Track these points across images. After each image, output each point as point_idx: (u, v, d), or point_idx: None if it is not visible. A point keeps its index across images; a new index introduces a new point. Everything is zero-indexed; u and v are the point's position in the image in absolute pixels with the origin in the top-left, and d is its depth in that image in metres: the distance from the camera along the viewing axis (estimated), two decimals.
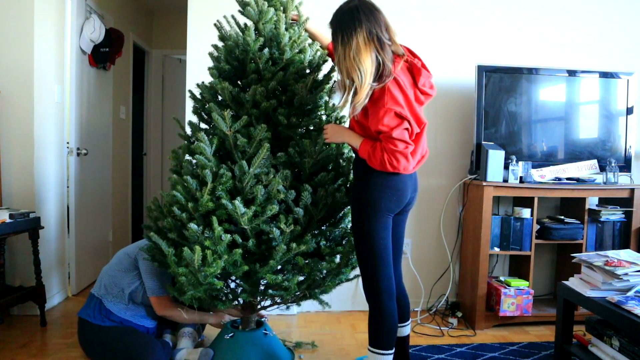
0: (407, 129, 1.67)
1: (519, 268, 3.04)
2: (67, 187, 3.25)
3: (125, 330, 2.14)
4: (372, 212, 1.75)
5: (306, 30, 2.09)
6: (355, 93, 1.70)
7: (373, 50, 1.66)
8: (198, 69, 2.87)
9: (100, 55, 3.56)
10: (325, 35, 2.08)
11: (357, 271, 2.01)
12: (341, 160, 2.04)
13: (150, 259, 2.10)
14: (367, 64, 1.65)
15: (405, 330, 2.06)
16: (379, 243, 1.77)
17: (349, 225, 2.12)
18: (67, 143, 3.25)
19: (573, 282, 2.18)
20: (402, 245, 2.01)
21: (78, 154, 3.34)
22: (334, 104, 2.09)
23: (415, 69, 1.77)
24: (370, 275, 1.80)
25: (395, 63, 1.71)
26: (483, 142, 2.87)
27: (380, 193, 1.75)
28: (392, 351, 1.82)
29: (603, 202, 3.08)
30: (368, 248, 1.78)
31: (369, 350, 1.83)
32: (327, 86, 2.07)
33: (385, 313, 1.80)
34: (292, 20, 2.06)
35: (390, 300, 1.81)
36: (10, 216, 2.48)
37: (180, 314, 2.19)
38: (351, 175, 2.06)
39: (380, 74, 1.68)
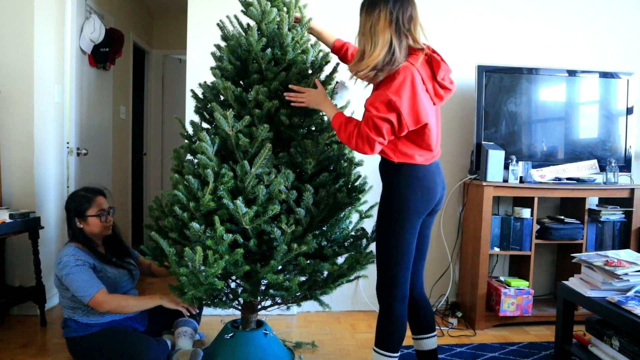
0: (391, 123, 1.63)
1: (519, 268, 3.04)
2: (67, 187, 3.25)
3: (116, 331, 2.11)
4: (400, 215, 1.72)
5: (310, 29, 2.08)
6: (361, 60, 1.69)
7: (389, 32, 1.64)
8: (198, 69, 2.87)
9: (100, 55, 3.56)
10: (331, 33, 2.08)
11: (357, 272, 2.02)
12: (342, 161, 2.04)
13: (66, 270, 2.07)
14: (381, 40, 1.64)
15: (430, 342, 1.93)
16: (403, 248, 1.73)
17: (350, 226, 2.12)
18: (67, 143, 3.25)
19: (573, 282, 2.19)
20: (427, 248, 1.93)
21: (78, 154, 3.34)
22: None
23: (434, 62, 1.73)
24: (387, 278, 1.76)
25: (415, 56, 1.68)
26: (483, 142, 2.87)
27: (410, 194, 1.71)
28: (398, 355, 1.79)
29: (603, 202, 3.08)
30: (390, 252, 1.74)
31: (374, 350, 1.80)
32: (330, 87, 2.07)
33: (395, 316, 1.76)
34: (295, 21, 2.06)
35: (402, 304, 1.77)
36: (10, 216, 2.48)
37: (123, 305, 2.10)
38: (352, 177, 2.07)
39: (390, 59, 1.65)
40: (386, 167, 1.79)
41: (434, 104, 1.74)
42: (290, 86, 1.89)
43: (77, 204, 2.22)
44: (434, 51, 1.78)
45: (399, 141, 1.71)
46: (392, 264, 1.74)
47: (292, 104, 1.89)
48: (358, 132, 1.66)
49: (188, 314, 2.22)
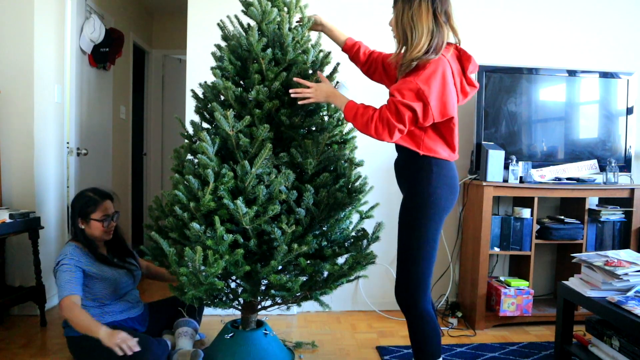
0: (415, 112, 1.61)
1: (519, 268, 3.04)
2: (67, 187, 3.24)
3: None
4: (434, 212, 1.69)
5: (322, 25, 2.05)
6: (406, 50, 1.67)
7: (431, 20, 1.64)
8: (198, 69, 2.87)
9: (100, 55, 3.56)
10: (342, 32, 2.06)
11: (358, 272, 2.02)
12: (343, 162, 2.03)
13: (57, 267, 2.09)
14: (424, 27, 1.63)
15: None
16: (432, 247, 1.70)
17: (351, 227, 2.12)
18: (67, 143, 3.25)
19: (573, 282, 2.19)
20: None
21: (78, 154, 3.34)
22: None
23: (465, 56, 1.74)
24: (417, 279, 1.70)
25: (446, 49, 1.69)
26: (483, 142, 2.87)
27: (441, 191, 1.69)
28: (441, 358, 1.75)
29: (603, 202, 3.08)
30: (420, 251, 1.69)
31: None
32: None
33: (431, 318, 1.72)
34: (297, 21, 2.04)
35: (429, 305, 1.74)
36: (10, 216, 2.48)
37: (72, 318, 2.02)
38: (352, 177, 2.06)
39: (429, 47, 1.64)
40: (410, 162, 1.75)
41: (458, 100, 1.74)
42: (295, 79, 1.86)
43: (82, 205, 2.21)
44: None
45: (425, 134, 1.70)
46: (421, 265, 1.69)
47: (299, 102, 1.85)
48: (379, 116, 1.62)
49: (121, 354, 1.95)
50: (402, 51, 1.71)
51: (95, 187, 2.31)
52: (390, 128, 1.62)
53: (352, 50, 2.04)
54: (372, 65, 2.01)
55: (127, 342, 1.93)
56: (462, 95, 1.75)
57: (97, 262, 2.20)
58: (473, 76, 1.78)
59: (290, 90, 1.83)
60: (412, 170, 1.75)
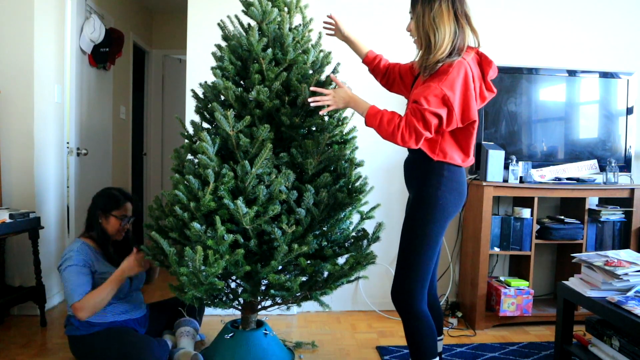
0: (440, 118, 1.60)
1: (519, 268, 3.05)
2: (67, 187, 3.25)
3: (117, 331, 2.11)
4: (440, 216, 1.68)
5: (346, 37, 2.02)
6: (429, 53, 1.64)
7: (453, 21, 1.63)
8: (198, 69, 2.87)
9: (100, 55, 3.56)
10: (364, 44, 2.04)
11: (358, 272, 2.02)
12: (343, 162, 2.03)
13: (66, 264, 2.10)
14: (447, 29, 1.61)
15: (438, 346, 1.88)
16: (433, 249, 1.70)
17: (351, 227, 2.12)
18: (67, 143, 3.25)
19: (573, 282, 2.19)
20: (440, 249, 1.89)
21: (78, 154, 3.34)
22: None
23: (485, 61, 1.71)
24: (413, 280, 1.69)
25: (466, 53, 1.67)
26: (483, 142, 2.87)
27: (449, 195, 1.68)
28: (437, 358, 1.75)
29: (603, 202, 3.09)
30: (422, 253, 1.68)
31: None
32: (330, 87, 2.07)
33: (423, 318, 1.71)
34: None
35: (425, 305, 1.73)
36: (10, 216, 2.48)
37: (97, 299, 2.07)
38: (353, 177, 2.06)
39: (453, 48, 1.62)
40: (422, 163, 1.72)
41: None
42: (311, 89, 1.83)
43: (107, 200, 2.26)
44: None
45: (442, 138, 1.68)
46: (421, 266, 1.69)
47: (320, 112, 1.80)
48: (406, 124, 1.60)
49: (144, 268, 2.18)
50: (425, 54, 1.67)
51: (120, 188, 2.38)
52: (418, 136, 1.61)
53: (372, 62, 2.01)
54: (391, 77, 1.98)
55: (137, 259, 2.13)
56: (479, 100, 1.72)
57: (103, 260, 2.22)
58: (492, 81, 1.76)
59: (309, 100, 1.79)
60: (422, 171, 1.73)
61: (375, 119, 1.66)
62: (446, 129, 1.64)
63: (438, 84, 1.58)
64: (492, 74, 1.72)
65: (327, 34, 2.07)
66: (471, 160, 1.77)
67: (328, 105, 1.77)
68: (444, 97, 1.57)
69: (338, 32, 2.03)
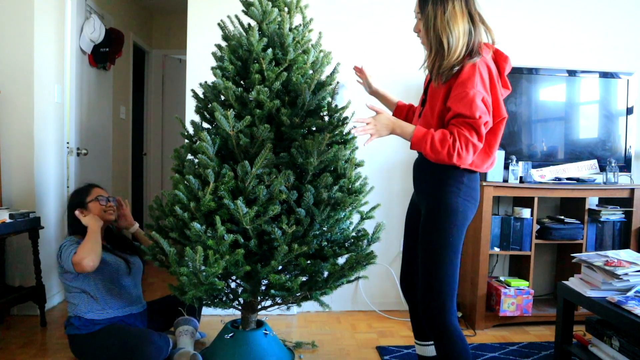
0: (487, 125, 1.52)
1: (519, 268, 3.05)
2: (67, 187, 3.24)
3: (118, 327, 2.13)
4: (461, 223, 1.59)
5: (375, 92, 1.96)
6: (442, 58, 1.55)
7: (467, 21, 1.55)
8: (198, 69, 2.87)
9: (100, 55, 3.56)
10: (392, 96, 1.98)
11: (358, 272, 2.02)
12: (343, 162, 2.03)
13: (62, 245, 2.16)
14: (461, 30, 1.53)
15: (432, 349, 1.83)
16: (458, 258, 1.61)
17: (351, 227, 2.12)
18: (67, 143, 3.25)
19: (573, 282, 2.19)
20: None
21: (78, 154, 3.34)
22: (337, 105, 2.05)
23: (501, 57, 1.64)
24: (443, 293, 1.58)
25: (486, 49, 1.61)
26: None
27: (467, 203, 1.60)
28: None
29: (603, 202, 3.09)
30: (447, 263, 1.58)
31: None
32: (330, 87, 2.07)
33: (457, 336, 1.59)
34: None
35: (456, 319, 1.62)
36: (10, 216, 2.48)
37: (90, 244, 2.10)
38: (353, 177, 2.06)
39: (470, 50, 1.55)
40: (437, 170, 1.62)
41: None
42: (353, 122, 1.70)
43: (75, 196, 2.34)
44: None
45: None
46: (448, 278, 1.59)
47: (364, 144, 1.64)
48: (461, 141, 1.50)
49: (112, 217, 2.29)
50: (437, 59, 1.59)
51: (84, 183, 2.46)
52: (474, 150, 1.52)
53: (403, 111, 1.93)
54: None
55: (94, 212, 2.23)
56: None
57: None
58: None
59: (353, 131, 1.65)
60: (438, 177, 1.63)
61: (425, 142, 1.53)
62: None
63: (472, 88, 1.49)
64: (508, 69, 1.66)
65: (358, 82, 2.01)
66: (493, 159, 1.67)
67: (371, 135, 1.61)
68: (483, 99, 1.50)
69: (367, 86, 1.97)
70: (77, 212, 2.22)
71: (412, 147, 1.59)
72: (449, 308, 1.59)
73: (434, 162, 1.57)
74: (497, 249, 2.87)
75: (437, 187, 1.63)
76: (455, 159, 1.51)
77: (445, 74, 1.56)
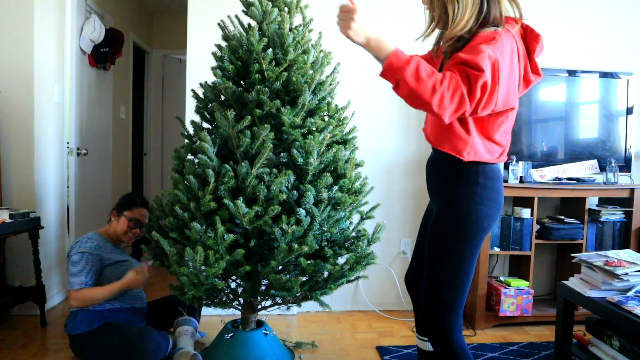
0: (484, 91, 1.22)
1: (519, 268, 3.05)
2: (67, 187, 3.25)
3: (116, 325, 2.14)
4: (474, 235, 1.38)
5: None
6: (445, 27, 1.37)
7: None
8: (198, 69, 2.87)
9: (100, 55, 3.56)
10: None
11: (358, 272, 2.02)
12: (343, 162, 2.03)
13: (75, 250, 2.17)
14: (469, 2, 1.32)
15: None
16: (469, 275, 1.41)
17: (351, 227, 2.12)
18: (67, 143, 3.25)
19: (573, 282, 2.19)
20: None
21: (78, 154, 3.34)
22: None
23: (531, 35, 1.40)
24: (447, 313, 1.41)
25: (512, 23, 1.38)
26: None
27: (486, 209, 1.38)
28: None
29: (603, 202, 3.09)
30: (456, 283, 1.39)
31: None
32: (330, 87, 2.07)
33: (461, 351, 1.42)
34: None
35: (461, 333, 1.44)
36: (10, 216, 2.48)
37: (94, 295, 2.13)
38: (353, 177, 2.06)
39: (484, 21, 1.34)
40: (446, 167, 1.43)
41: (519, 89, 1.38)
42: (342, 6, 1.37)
43: (123, 200, 2.39)
44: None
45: (476, 124, 1.36)
46: (456, 298, 1.41)
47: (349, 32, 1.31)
48: (450, 83, 1.20)
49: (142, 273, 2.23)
50: (437, 26, 1.41)
51: (141, 195, 2.51)
52: (459, 104, 1.21)
53: None
54: None
55: (143, 278, 2.19)
56: (523, 84, 1.40)
57: (112, 247, 2.32)
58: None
59: (341, 5, 1.35)
60: (448, 176, 1.43)
61: (407, 64, 1.20)
62: (481, 111, 1.26)
63: (488, 47, 1.23)
64: (539, 51, 1.41)
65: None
66: (498, 150, 1.42)
67: (343, 29, 1.31)
68: (494, 63, 1.22)
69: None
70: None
71: (383, 72, 1.25)
72: (454, 326, 1.42)
73: (406, 97, 1.24)
74: (497, 249, 2.87)
75: (446, 189, 1.43)
76: (436, 99, 1.19)
77: (449, 47, 1.36)
